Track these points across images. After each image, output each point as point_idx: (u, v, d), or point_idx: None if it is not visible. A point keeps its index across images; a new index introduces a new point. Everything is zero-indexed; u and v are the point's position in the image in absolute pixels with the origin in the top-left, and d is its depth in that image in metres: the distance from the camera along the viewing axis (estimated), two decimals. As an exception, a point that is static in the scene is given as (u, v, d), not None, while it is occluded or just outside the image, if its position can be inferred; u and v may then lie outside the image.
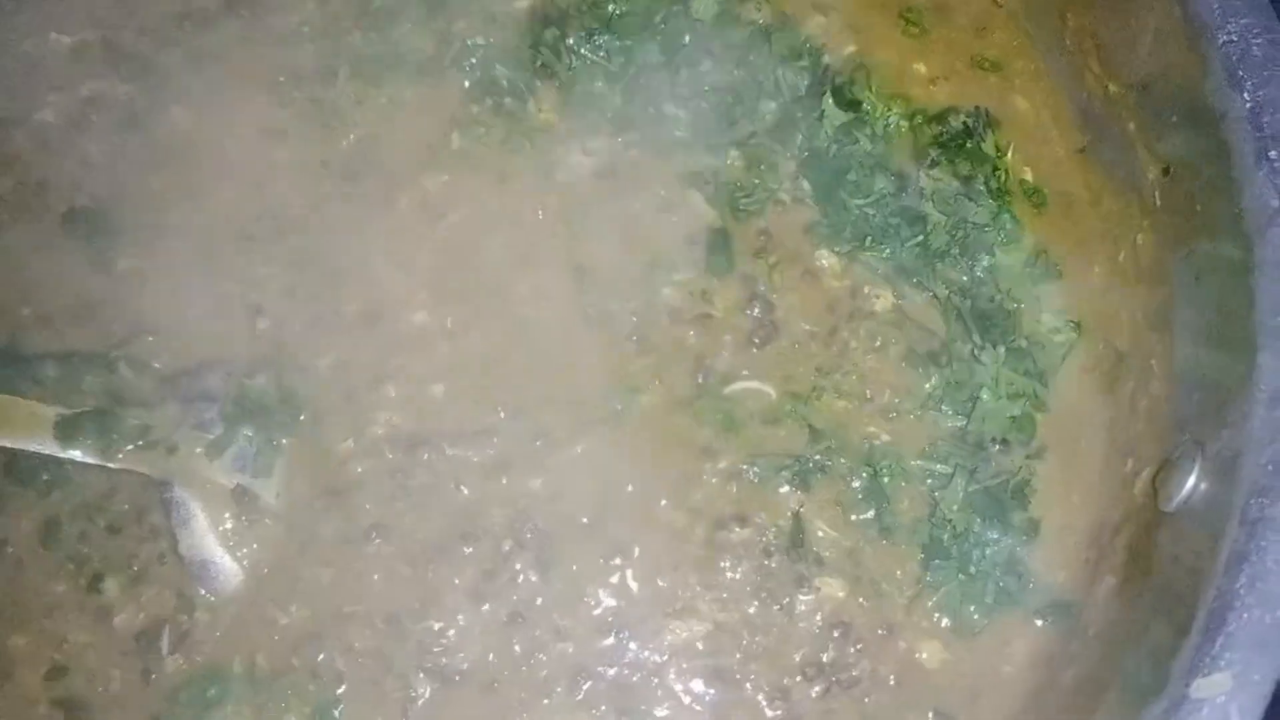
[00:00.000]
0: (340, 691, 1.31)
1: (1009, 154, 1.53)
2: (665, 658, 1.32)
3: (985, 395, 1.40)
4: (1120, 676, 1.16)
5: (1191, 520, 1.16)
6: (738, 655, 1.32)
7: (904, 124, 1.54)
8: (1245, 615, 1.00)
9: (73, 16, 1.60)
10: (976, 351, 1.41)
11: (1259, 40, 1.22)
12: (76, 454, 1.35)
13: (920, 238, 1.46)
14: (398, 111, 1.55)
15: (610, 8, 1.55)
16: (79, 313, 1.45)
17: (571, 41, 1.54)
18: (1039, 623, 1.34)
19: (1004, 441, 1.40)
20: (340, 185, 1.51)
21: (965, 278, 1.46)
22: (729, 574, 1.35)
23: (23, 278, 1.47)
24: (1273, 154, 1.18)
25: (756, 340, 1.44)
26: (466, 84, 1.55)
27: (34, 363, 1.41)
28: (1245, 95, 1.20)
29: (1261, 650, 0.99)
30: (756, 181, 1.50)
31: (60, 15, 1.60)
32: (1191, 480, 1.17)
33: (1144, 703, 1.05)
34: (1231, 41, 1.23)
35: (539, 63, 1.55)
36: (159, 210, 1.50)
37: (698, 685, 1.31)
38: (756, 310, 1.45)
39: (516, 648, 1.32)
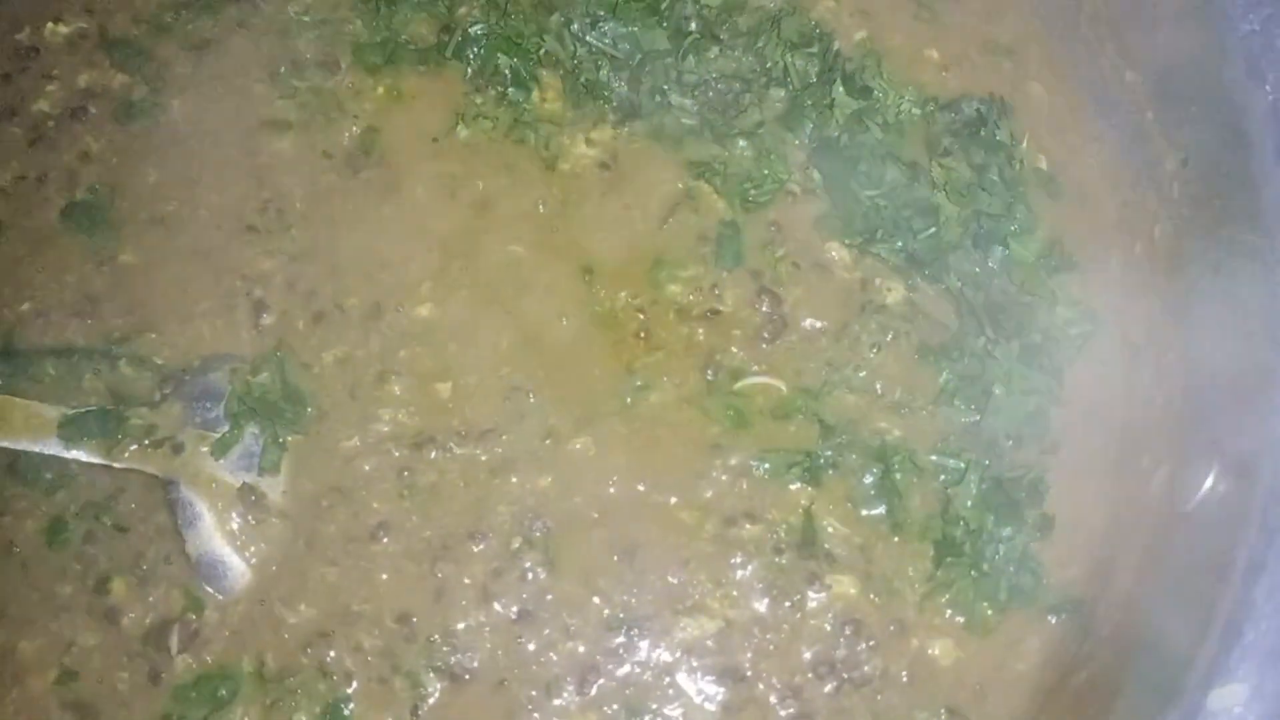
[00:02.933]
0: (350, 690, 1.31)
1: (1024, 142, 1.50)
2: (676, 656, 1.32)
3: (999, 390, 1.38)
4: (1134, 680, 1.15)
5: (1209, 522, 1.15)
6: (749, 653, 1.32)
7: (916, 112, 1.51)
8: (1264, 625, 1.00)
9: (68, 4, 1.58)
10: (990, 345, 1.39)
11: (1282, 31, 1.19)
12: (81, 454, 1.34)
13: (932, 229, 1.43)
14: (400, 101, 1.53)
15: (616, -7, 1.52)
16: (79, 308, 1.43)
17: (576, 28, 1.51)
18: (1052, 620, 1.33)
19: (1018, 437, 1.39)
20: (343, 176, 1.49)
21: (978, 270, 1.44)
22: (739, 571, 1.34)
23: (21, 272, 1.45)
24: (1294, 148, 1.15)
25: (766, 335, 1.42)
26: (469, 73, 1.53)
27: (32, 360, 1.40)
28: (1267, 88, 1.18)
29: (1279, 663, 0.98)
30: (766, 172, 1.47)
31: (55, 3, 1.58)
32: (1209, 481, 1.16)
33: (1158, 709, 1.04)
34: (1254, 32, 1.20)
35: (543, 50, 1.52)
36: (160, 203, 1.48)
37: (709, 684, 1.31)
38: (766, 305, 1.43)
39: (526, 646, 1.31)
